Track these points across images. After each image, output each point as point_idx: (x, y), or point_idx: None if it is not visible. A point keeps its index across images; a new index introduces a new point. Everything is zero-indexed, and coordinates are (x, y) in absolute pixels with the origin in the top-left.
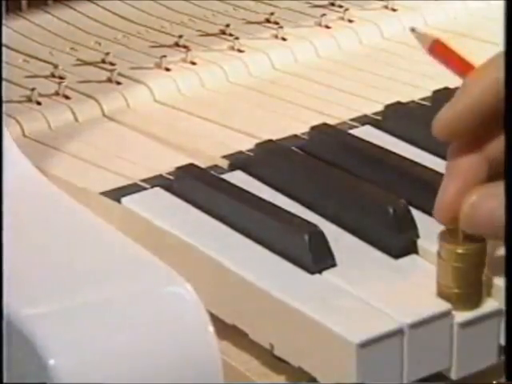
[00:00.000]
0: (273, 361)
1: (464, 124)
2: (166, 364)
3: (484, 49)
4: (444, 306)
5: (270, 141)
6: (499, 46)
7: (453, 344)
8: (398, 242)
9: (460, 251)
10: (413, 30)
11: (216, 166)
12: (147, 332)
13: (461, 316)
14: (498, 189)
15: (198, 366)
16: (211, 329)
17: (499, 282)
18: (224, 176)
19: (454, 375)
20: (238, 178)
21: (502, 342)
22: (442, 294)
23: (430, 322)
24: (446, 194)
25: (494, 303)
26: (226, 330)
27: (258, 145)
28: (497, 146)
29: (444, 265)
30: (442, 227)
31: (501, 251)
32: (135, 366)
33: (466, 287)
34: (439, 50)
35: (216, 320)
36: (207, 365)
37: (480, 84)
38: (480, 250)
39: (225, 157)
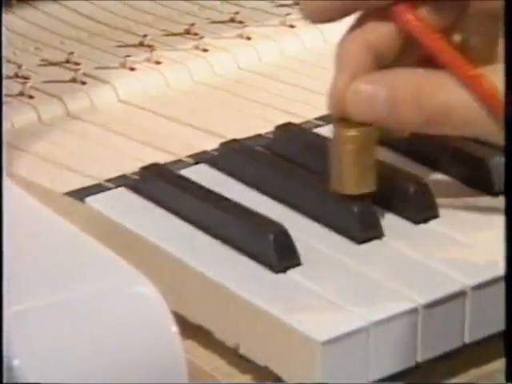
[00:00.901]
0: (238, 360)
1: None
2: (129, 364)
3: None
4: (410, 302)
5: (235, 140)
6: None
7: (417, 341)
8: (362, 239)
9: (351, 134)
10: None
11: (180, 160)
12: (111, 332)
13: (424, 298)
14: (379, 75)
15: (162, 367)
16: (175, 329)
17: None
18: (188, 170)
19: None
20: (203, 175)
21: (467, 323)
22: (336, 179)
23: (395, 319)
24: (335, 84)
25: (456, 284)
26: (192, 330)
27: (222, 144)
28: (378, 36)
29: (337, 150)
30: None
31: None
32: (99, 366)
33: (358, 168)
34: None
35: (181, 320)
36: (171, 365)
37: None
38: (369, 131)
39: (189, 156)
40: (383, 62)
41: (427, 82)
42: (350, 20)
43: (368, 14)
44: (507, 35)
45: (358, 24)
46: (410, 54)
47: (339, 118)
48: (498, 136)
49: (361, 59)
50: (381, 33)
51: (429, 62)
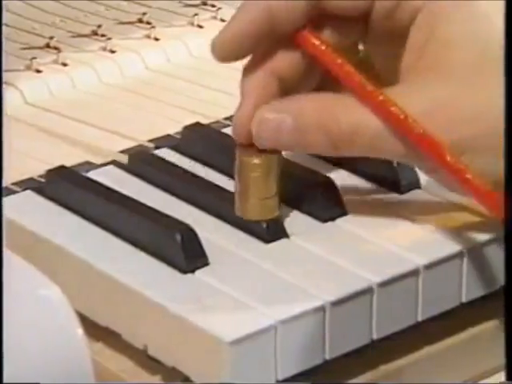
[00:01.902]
0: (147, 361)
1: (237, 45)
2: (34, 368)
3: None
4: (317, 300)
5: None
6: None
7: (325, 338)
8: (270, 239)
9: (256, 161)
10: None
11: (88, 162)
12: (14, 337)
13: (331, 296)
14: (284, 103)
15: (68, 369)
16: (80, 331)
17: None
18: (95, 172)
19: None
20: (110, 177)
21: (375, 319)
22: (240, 207)
23: (302, 318)
24: (240, 112)
25: (363, 281)
26: (100, 333)
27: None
28: (281, 64)
29: (241, 178)
30: None
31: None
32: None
33: (263, 196)
34: None
35: (90, 323)
36: (78, 368)
37: (253, 9)
38: (273, 159)
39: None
40: (287, 86)
41: (331, 107)
42: None
43: (270, 43)
44: (507, 35)
45: (261, 53)
46: (313, 75)
47: (242, 144)
48: (407, 159)
49: (265, 85)
50: (284, 58)
51: (331, 80)
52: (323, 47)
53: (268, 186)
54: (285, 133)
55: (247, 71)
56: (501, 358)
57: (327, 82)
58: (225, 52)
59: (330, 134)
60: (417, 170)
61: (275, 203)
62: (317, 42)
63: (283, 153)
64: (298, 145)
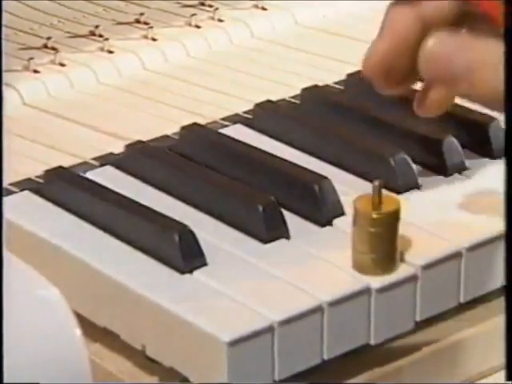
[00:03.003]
0: (145, 362)
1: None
2: (32, 368)
3: (353, 47)
4: (314, 301)
5: (140, 142)
6: (368, 43)
7: (323, 338)
8: (269, 239)
9: (375, 216)
10: None
11: (86, 163)
12: (13, 337)
13: (329, 296)
14: (455, 35)
15: (66, 370)
16: (78, 332)
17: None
18: (93, 172)
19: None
20: (108, 177)
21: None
22: (357, 261)
23: (298, 319)
24: (376, 48)
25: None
26: (98, 333)
27: (128, 146)
28: (430, 7)
29: (359, 231)
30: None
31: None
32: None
33: (381, 252)
34: None
35: (87, 323)
36: (75, 368)
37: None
38: (394, 215)
39: (95, 158)
40: (427, 33)
41: (500, 48)
42: None
43: None
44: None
45: None
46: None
47: (375, 78)
48: None
49: (409, 27)
50: (434, 5)
51: None
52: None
53: (387, 242)
54: (459, 65)
55: (395, 6)
56: (499, 359)
57: None
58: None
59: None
60: (415, 170)
61: (393, 262)
62: None
63: None
64: (469, 80)
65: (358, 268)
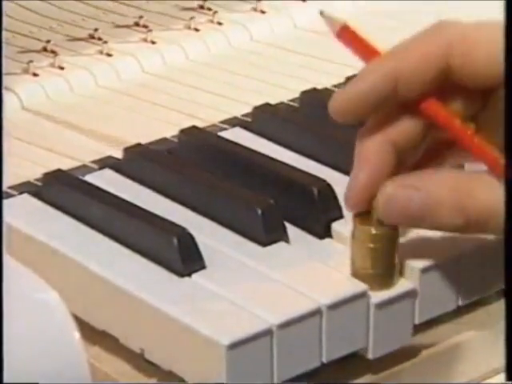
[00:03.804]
0: (144, 365)
1: (356, 107)
2: (31, 370)
3: None
4: (313, 304)
5: (139, 144)
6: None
7: (322, 341)
8: (268, 242)
9: (374, 232)
10: (321, 13)
11: (84, 166)
12: (12, 340)
13: (328, 299)
14: (412, 178)
15: (65, 373)
16: (77, 335)
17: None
18: (92, 175)
19: (324, 358)
20: (107, 181)
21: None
22: (356, 275)
23: (297, 322)
24: (356, 182)
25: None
26: (97, 336)
27: (126, 149)
28: (399, 131)
29: (358, 246)
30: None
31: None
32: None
33: (380, 267)
34: (346, 36)
35: (86, 326)
36: (74, 371)
37: (377, 71)
38: (393, 231)
39: (94, 162)
40: (401, 158)
41: (467, 184)
42: None
43: (389, 110)
44: (507, 35)
45: (379, 120)
46: (422, 147)
47: (358, 214)
48: None
49: (382, 154)
50: (403, 126)
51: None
52: (453, 118)
53: (386, 258)
54: (415, 210)
55: (363, 136)
56: (498, 361)
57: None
58: (341, 112)
59: (464, 212)
60: None
61: (392, 277)
62: (446, 112)
63: None
64: (428, 221)
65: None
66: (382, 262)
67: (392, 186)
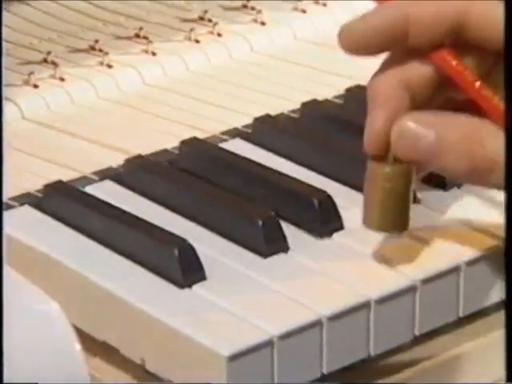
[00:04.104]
0: (145, 376)
1: (365, 40)
2: (32, 382)
3: (352, 61)
4: (314, 315)
5: (140, 156)
6: (365, 57)
7: (322, 352)
8: (268, 253)
9: (388, 170)
10: None
11: (85, 177)
12: (13, 352)
13: (328, 310)
14: (427, 115)
15: None
16: (78, 346)
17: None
18: (93, 186)
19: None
20: (108, 192)
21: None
22: (370, 219)
23: (298, 333)
24: (373, 124)
25: (359, 296)
26: (98, 347)
27: (127, 160)
28: (412, 75)
29: (372, 187)
30: None
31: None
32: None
33: (394, 209)
34: None
35: (87, 337)
36: (75, 382)
37: (390, 10)
38: (407, 170)
39: (94, 173)
40: (416, 103)
41: (479, 130)
42: None
43: (403, 53)
44: (507, 35)
45: (392, 62)
46: (440, 96)
47: (375, 156)
48: None
49: (398, 98)
50: (418, 73)
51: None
52: (462, 69)
53: (400, 199)
54: (425, 147)
55: (378, 80)
56: (498, 372)
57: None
58: (351, 41)
59: (472, 158)
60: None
61: (406, 218)
62: (456, 63)
63: None
64: (435, 161)
65: (369, 224)
66: (397, 203)
67: (406, 119)
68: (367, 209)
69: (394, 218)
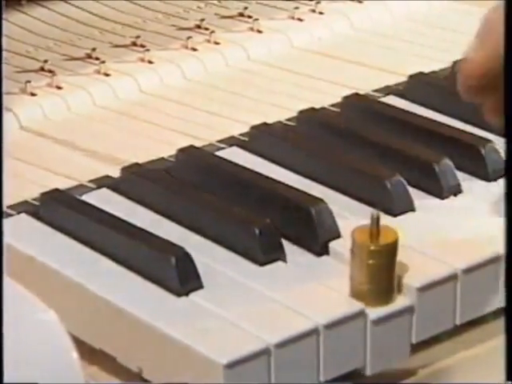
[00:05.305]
0: None
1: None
2: None
3: (349, 69)
4: (311, 323)
5: (137, 164)
6: (364, 66)
7: (319, 361)
8: (265, 261)
9: (373, 248)
10: None
11: (82, 185)
12: (11, 360)
13: (325, 318)
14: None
15: None
16: (75, 355)
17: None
18: (90, 194)
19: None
20: (104, 200)
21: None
22: (354, 291)
23: (295, 341)
24: (476, 54)
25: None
26: (95, 355)
27: (124, 168)
28: None
29: (357, 262)
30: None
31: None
32: None
33: (378, 284)
34: None
35: (84, 345)
36: None
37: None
38: (392, 247)
39: (91, 181)
40: None
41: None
42: None
43: None
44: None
45: None
46: None
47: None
48: None
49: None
50: None
51: None
52: None
53: (384, 274)
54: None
55: (493, 13)
56: (496, 380)
57: None
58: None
59: None
60: (410, 193)
61: (390, 293)
62: None
63: None
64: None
65: (356, 298)
66: (380, 278)
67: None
68: (353, 283)
69: (379, 292)
